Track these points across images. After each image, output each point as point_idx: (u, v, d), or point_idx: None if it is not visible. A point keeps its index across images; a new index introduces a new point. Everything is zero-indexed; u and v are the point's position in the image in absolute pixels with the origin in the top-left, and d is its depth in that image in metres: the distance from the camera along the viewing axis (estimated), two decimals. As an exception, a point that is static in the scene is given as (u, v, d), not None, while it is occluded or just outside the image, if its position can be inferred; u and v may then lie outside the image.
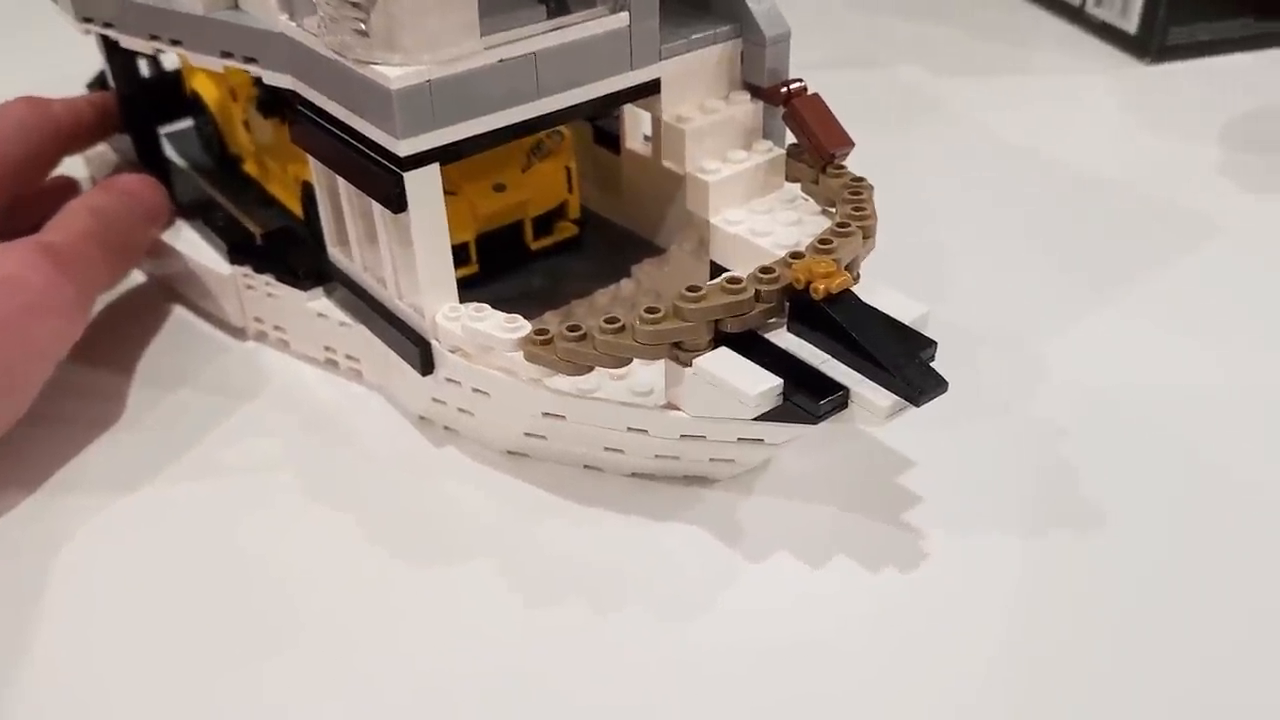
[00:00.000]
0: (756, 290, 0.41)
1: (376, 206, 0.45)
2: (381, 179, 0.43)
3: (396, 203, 0.43)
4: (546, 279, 0.53)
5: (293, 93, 0.48)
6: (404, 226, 0.44)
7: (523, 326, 0.43)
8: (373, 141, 0.44)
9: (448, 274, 0.46)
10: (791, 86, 0.49)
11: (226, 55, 0.49)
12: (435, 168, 0.43)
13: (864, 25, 0.92)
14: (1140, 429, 0.50)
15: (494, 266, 0.53)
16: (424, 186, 0.43)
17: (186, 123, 0.67)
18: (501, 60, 0.43)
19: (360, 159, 0.44)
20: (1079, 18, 0.90)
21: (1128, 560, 0.44)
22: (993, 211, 0.67)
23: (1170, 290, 0.59)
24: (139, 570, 0.45)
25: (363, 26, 0.42)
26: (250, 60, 0.48)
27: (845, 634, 0.41)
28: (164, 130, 0.66)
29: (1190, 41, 0.83)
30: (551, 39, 0.44)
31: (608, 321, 0.41)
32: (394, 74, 0.41)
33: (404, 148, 0.42)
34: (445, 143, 0.43)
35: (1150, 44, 0.83)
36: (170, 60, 0.59)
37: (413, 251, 0.45)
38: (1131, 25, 0.84)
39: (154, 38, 0.51)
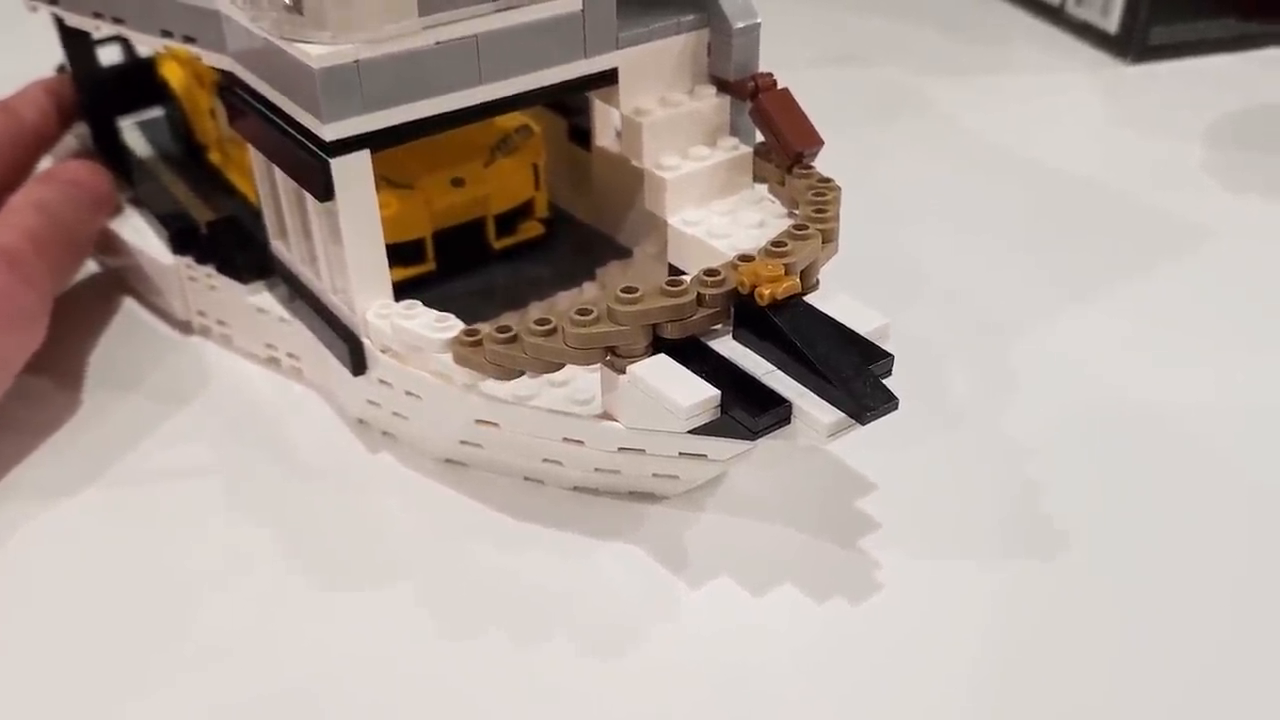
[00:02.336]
0: (699, 294, 0.38)
1: (308, 195, 0.43)
2: (309, 165, 0.41)
3: (323, 191, 0.41)
4: (508, 280, 0.50)
5: (231, 75, 0.45)
6: (334, 217, 0.42)
7: (453, 326, 0.41)
8: (301, 125, 0.41)
9: (380, 268, 0.43)
10: (759, 80, 0.46)
11: (166, 34, 0.47)
12: (365, 155, 0.41)
13: (840, 23, 0.89)
14: (1120, 444, 0.47)
15: (453, 266, 0.50)
16: (353, 174, 0.41)
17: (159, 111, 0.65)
18: (439, 42, 0.40)
19: (290, 144, 0.42)
20: (1059, 17, 0.88)
21: (1102, 588, 0.41)
22: (970, 214, 0.64)
23: (1152, 294, 0.56)
24: (56, 584, 0.42)
25: (289, 2, 0.39)
26: (189, 40, 0.46)
27: (794, 669, 0.38)
28: (137, 119, 0.65)
29: (1172, 42, 0.81)
30: (496, 21, 0.41)
31: (538, 323, 0.38)
32: (318, 52, 0.38)
33: (329, 132, 0.39)
34: (376, 128, 0.40)
35: (1131, 44, 0.81)
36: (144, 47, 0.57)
37: (343, 244, 0.42)
38: (1112, 25, 0.82)
39: (97, 15, 0.49)
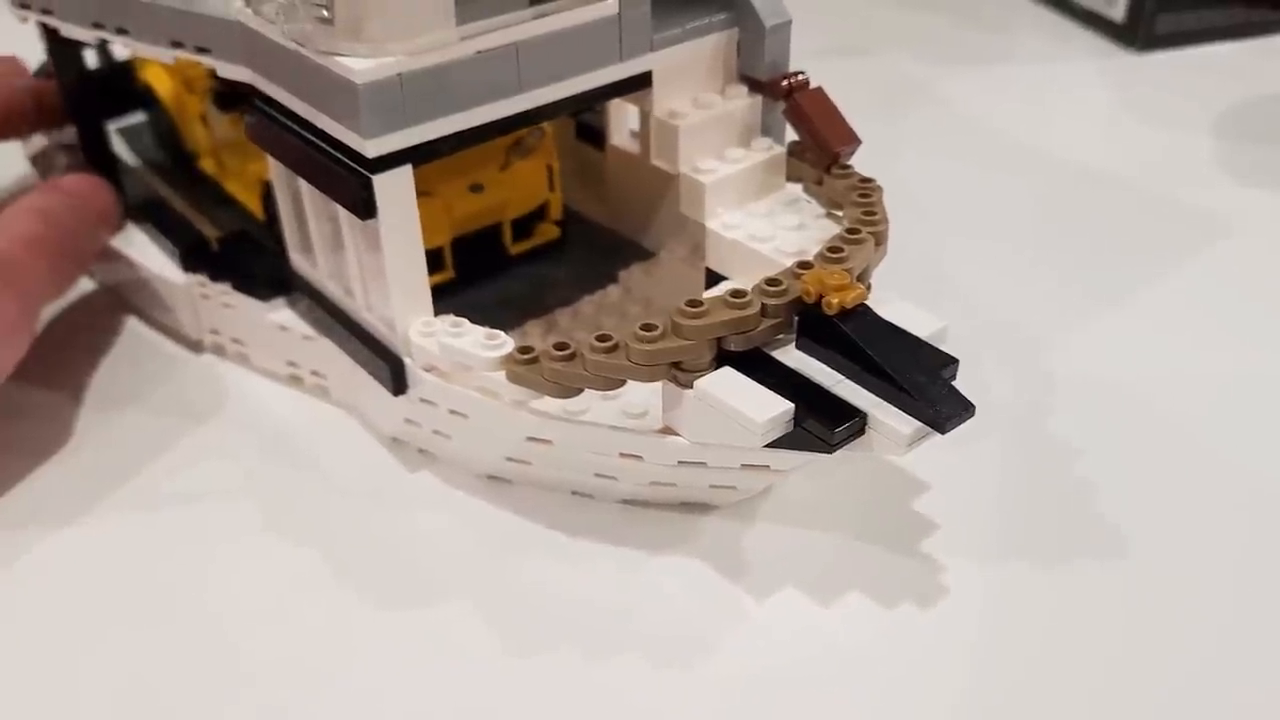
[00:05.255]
0: (763, 304, 0.37)
1: (343, 211, 0.41)
2: (348, 182, 0.39)
3: (365, 208, 0.39)
4: (527, 286, 0.49)
5: (250, 87, 0.44)
6: (373, 234, 0.41)
7: (505, 344, 0.40)
8: (338, 141, 0.40)
9: (422, 285, 0.42)
10: (793, 80, 0.45)
11: (177, 45, 0.45)
12: (408, 169, 0.39)
13: (845, 12, 0.89)
14: (1166, 438, 0.47)
15: (471, 272, 0.49)
16: (395, 190, 0.40)
17: (139, 117, 0.62)
18: (480, 51, 0.39)
19: (324, 160, 0.40)
20: (1064, 6, 0.88)
21: (1161, 587, 0.41)
22: (982, 206, 0.64)
23: (1173, 287, 0.56)
24: (78, 609, 0.41)
25: (325, 14, 0.38)
26: (203, 51, 0.44)
27: (858, 677, 0.38)
28: (114, 125, 0.62)
29: (1178, 30, 0.81)
30: (535, 28, 0.40)
31: (599, 339, 0.37)
32: (360, 66, 0.37)
33: (372, 148, 0.38)
34: (418, 142, 0.39)
35: (1138, 32, 0.81)
36: (120, 49, 0.55)
37: (383, 261, 0.41)
38: (1119, 13, 0.82)
39: (98, 26, 0.47)
